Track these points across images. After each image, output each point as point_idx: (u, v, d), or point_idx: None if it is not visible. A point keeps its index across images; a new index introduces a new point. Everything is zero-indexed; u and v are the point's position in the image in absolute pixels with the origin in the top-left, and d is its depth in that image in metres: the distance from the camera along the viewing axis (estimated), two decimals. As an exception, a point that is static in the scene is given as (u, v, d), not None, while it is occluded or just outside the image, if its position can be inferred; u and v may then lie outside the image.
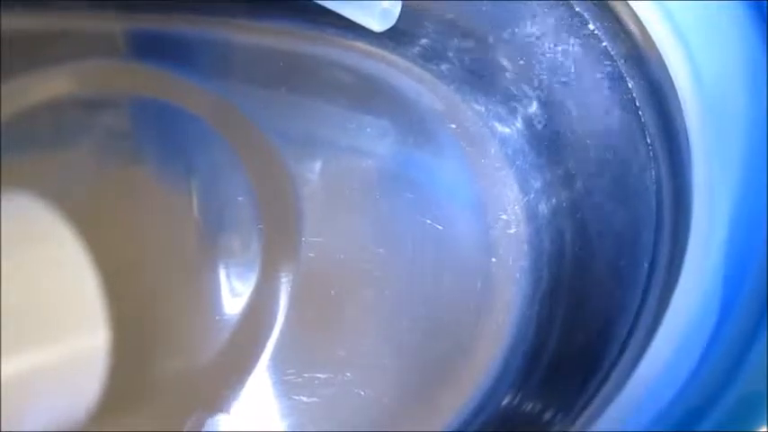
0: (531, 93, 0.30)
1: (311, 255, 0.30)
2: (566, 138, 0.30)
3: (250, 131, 0.31)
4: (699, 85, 0.24)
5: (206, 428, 0.27)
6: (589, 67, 0.28)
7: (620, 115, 0.27)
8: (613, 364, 0.24)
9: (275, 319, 0.29)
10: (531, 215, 0.31)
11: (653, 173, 0.26)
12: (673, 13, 0.25)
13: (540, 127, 0.31)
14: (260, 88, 0.32)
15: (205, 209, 0.30)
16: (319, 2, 0.27)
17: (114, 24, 0.31)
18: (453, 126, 0.32)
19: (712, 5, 0.24)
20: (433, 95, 0.32)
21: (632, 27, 0.26)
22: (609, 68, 0.27)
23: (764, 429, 0.20)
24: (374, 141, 0.32)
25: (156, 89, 0.31)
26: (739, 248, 0.23)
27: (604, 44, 0.27)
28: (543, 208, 0.31)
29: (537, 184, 0.31)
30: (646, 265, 0.25)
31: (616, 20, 0.26)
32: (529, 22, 0.29)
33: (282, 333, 0.29)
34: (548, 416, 0.27)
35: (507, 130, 0.32)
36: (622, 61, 0.27)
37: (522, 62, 0.30)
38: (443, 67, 0.32)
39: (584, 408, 0.23)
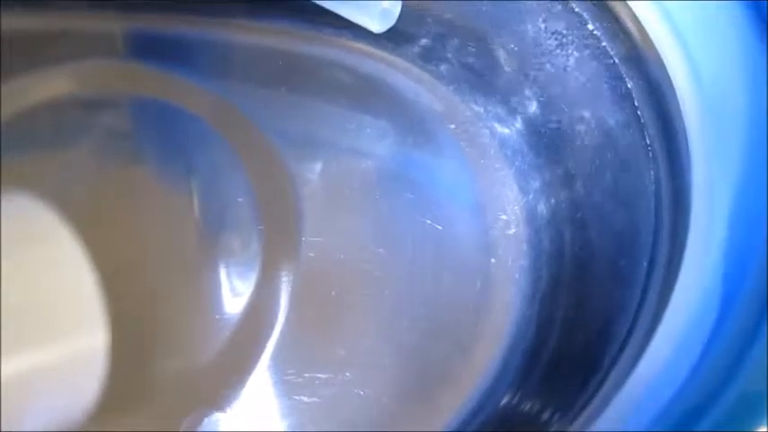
0: (530, 93, 0.30)
1: (311, 254, 0.30)
2: (565, 138, 0.30)
3: (250, 131, 0.31)
4: (698, 85, 0.24)
5: (206, 428, 0.27)
6: (588, 67, 0.28)
7: (620, 115, 0.27)
8: (613, 364, 0.24)
9: (275, 318, 0.29)
10: (531, 215, 0.31)
11: (652, 173, 0.26)
12: (672, 14, 0.25)
13: (539, 127, 0.31)
14: (260, 88, 0.32)
15: (205, 209, 0.30)
16: (319, 2, 0.27)
17: (114, 24, 0.31)
18: (453, 126, 0.32)
19: (711, 5, 0.24)
20: (432, 96, 0.32)
21: (631, 27, 0.26)
22: (608, 69, 0.27)
23: (764, 429, 0.20)
24: (374, 141, 0.32)
25: (156, 89, 0.31)
26: (739, 248, 0.23)
27: (603, 44, 0.27)
28: (542, 208, 0.31)
29: (536, 185, 0.31)
30: (645, 264, 0.25)
31: (615, 20, 0.26)
32: (528, 23, 0.29)
33: (283, 333, 0.29)
34: (547, 415, 0.27)
35: (506, 130, 0.32)
36: (621, 61, 0.27)
37: (521, 62, 0.30)
38: (443, 67, 0.32)
39: (583, 407, 0.23)
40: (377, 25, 0.27)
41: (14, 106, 0.29)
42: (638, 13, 0.25)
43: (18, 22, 0.30)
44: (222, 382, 0.28)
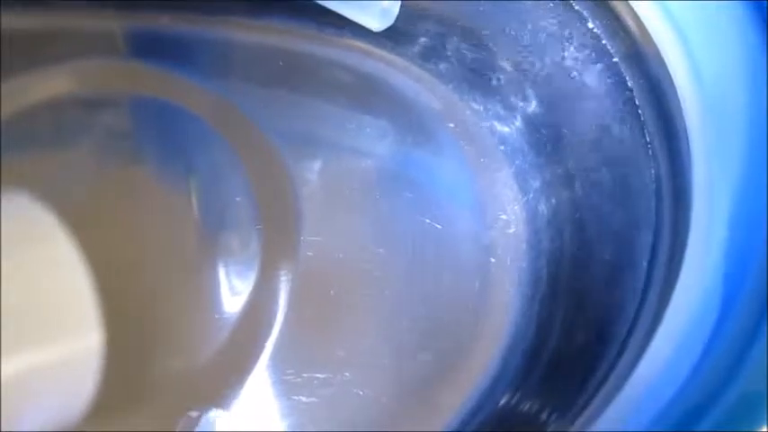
0: (529, 92, 0.30)
1: (310, 254, 0.30)
2: (565, 137, 0.30)
3: (250, 131, 0.31)
4: (698, 84, 0.24)
5: (205, 428, 0.27)
6: (588, 65, 0.28)
7: (620, 114, 0.27)
8: (613, 364, 0.24)
9: (274, 318, 0.29)
10: (531, 215, 0.31)
11: (652, 171, 0.26)
12: (672, 12, 0.25)
13: (539, 126, 0.31)
14: (260, 88, 0.32)
15: (205, 209, 0.30)
16: (319, 1, 0.27)
17: (114, 23, 0.31)
18: (452, 125, 0.32)
19: (712, 4, 0.24)
20: (431, 95, 0.32)
21: (632, 25, 0.26)
22: (608, 67, 0.27)
23: (765, 429, 0.20)
24: (373, 141, 0.32)
25: (156, 88, 0.31)
26: (739, 247, 0.23)
27: (604, 42, 0.27)
28: (542, 207, 0.31)
29: (536, 184, 0.31)
30: (645, 264, 0.25)
31: (615, 18, 0.26)
32: (528, 21, 0.29)
33: (282, 333, 0.29)
34: (546, 415, 0.26)
35: (506, 129, 0.32)
36: (622, 60, 0.27)
37: (520, 61, 0.30)
38: (442, 66, 0.32)
39: (583, 407, 0.23)
40: (376, 24, 0.27)
41: (14, 105, 0.29)
42: (638, 12, 0.25)
43: (18, 21, 0.30)
44: (221, 381, 0.28)
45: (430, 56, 0.32)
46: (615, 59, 0.27)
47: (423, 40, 0.31)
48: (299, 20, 0.32)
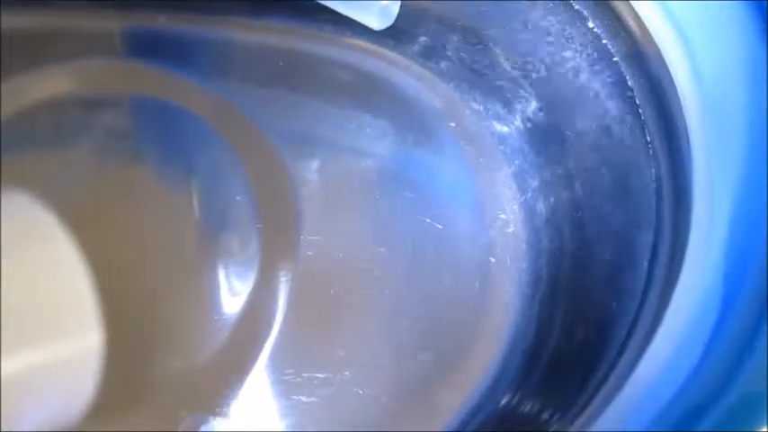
0: (529, 91, 0.30)
1: (310, 254, 0.30)
2: (565, 136, 0.30)
3: (250, 131, 0.31)
4: (699, 84, 0.24)
5: (204, 428, 0.27)
6: (589, 65, 0.28)
7: (620, 114, 0.27)
8: (613, 364, 0.24)
9: (274, 318, 0.29)
10: (530, 214, 0.31)
11: (653, 171, 0.26)
12: (673, 11, 0.25)
13: (539, 126, 0.31)
14: (260, 87, 0.32)
15: (205, 209, 0.30)
16: (319, 0, 0.27)
17: (114, 23, 0.31)
18: (453, 124, 0.32)
19: (713, 4, 0.24)
20: (432, 93, 0.32)
21: (632, 25, 0.26)
22: (609, 67, 0.27)
23: (765, 429, 0.20)
24: (373, 140, 0.32)
25: (156, 88, 0.31)
26: (740, 246, 0.23)
27: (604, 42, 0.27)
28: (542, 207, 0.31)
29: (535, 183, 0.31)
30: (645, 263, 0.25)
31: (616, 18, 0.26)
32: (528, 21, 0.29)
33: (281, 332, 0.29)
34: (547, 415, 0.26)
35: (506, 128, 0.31)
36: (622, 59, 0.27)
37: (520, 60, 0.30)
38: (443, 65, 0.32)
39: (583, 407, 0.23)
40: (376, 23, 0.27)
41: (14, 105, 0.29)
42: (639, 11, 0.25)
43: (18, 20, 0.30)
44: (221, 381, 0.28)
45: (431, 54, 0.32)
46: (615, 59, 0.27)
47: (423, 38, 0.31)
48: (299, 19, 0.32)
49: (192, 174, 0.30)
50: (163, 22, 0.31)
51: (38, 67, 0.30)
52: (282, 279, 0.29)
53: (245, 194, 0.30)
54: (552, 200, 0.30)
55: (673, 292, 0.23)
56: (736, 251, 0.23)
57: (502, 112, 0.31)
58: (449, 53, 0.31)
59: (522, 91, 0.30)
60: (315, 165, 0.31)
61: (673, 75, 0.24)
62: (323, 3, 0.27)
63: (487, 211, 0.31)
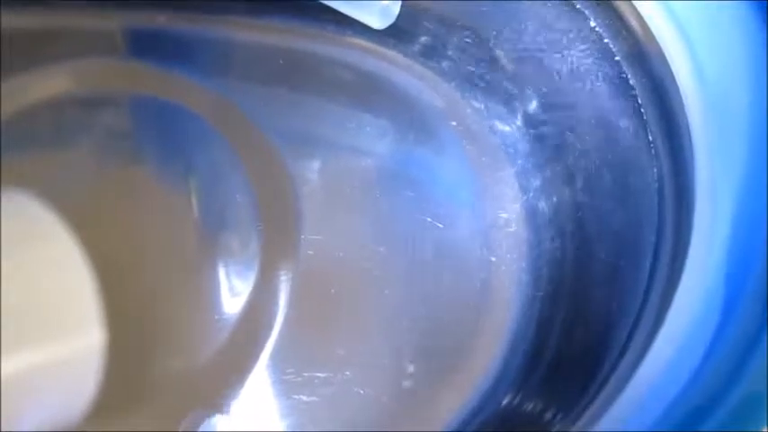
0: (531, 91, 0.30)
1: (310, 253, 0.30)
2: (566, 136, 0.30)
3: (250, 130, 0.31)
4: (701, 83, 0.24)
5: (205, 428, 0.27)
6: (590, 64, 0.28)
7: (622, 113, 0.27)
8: (615, 364, 0.24)
9: (274, 318, 0.29)
10: (531, 214, 0.31)
11: (655, 171, 0.26)
12: (675, 11, 0.24)
13: (540, 125, 0.31)
14: (260, 86, 0.32)
15: (205, 208, 0.30)
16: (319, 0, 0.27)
17: (114, 22, 0.31)
18: (454, 124, 0.32)
19: (714, 3, 0.24)
20: (433, 93, 0.32)
21: (634, 24, 0.26)
22: (610, 66, 0.27)
23: (765, 429, 0.20)
24: (374, 139, 0.32)
25: (156, 88, 0.31)
26: (742, 246, 0.23)
27: (606, 41, 0.27)
28: (543, 207, 0.31)
29: (537, 183, 0.31)
30: (647, 263, 0.25)
31: (618, 17, 0.26)
32: (529, 20, 0.29)
33: (282, 332, 0.29)
34: (548, 416, 0.26)
35: (507, 128, 0.31)
36: (624, 59, 0.27)
37: (522, 60, 0.30)
38: (444, 64, 0.32)
39: (585, 408, 0.23)
40: (377, 22, 0.27)
41: (14, 105, 0.29)
42: (641, 11, 0.25)
43: (17, 20, 0.30)
44: (221, 381, 0.28)
45: (432, 54, 0.32)
46: (617, 58, 0.27)
47: (424, 38, 0.31)
48: (299, 18, 0.32)
49: (191, 173, 0.30)
50: (163, 22, 0.31)
51: (38, 66, 0.30)
52: (283, 279, 0.29)
53: (245, 194, 0.30)
54: (554, 199, 0.30)
55: (675, 292, 0.23)
56: (739, 251, 0.23)
57: (503, 111, 0.31)
58: (450, 52, 0.31)
59: (523, 90, 0.30)
60: (315, 164, 0.31)
61: (675, 74, 0.24)
62: (324, 2, 0.27)
63: (489, 210, 0.31)
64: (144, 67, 0.31)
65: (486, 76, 0.31)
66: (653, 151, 0.26)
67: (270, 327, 0.29)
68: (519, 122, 0.31)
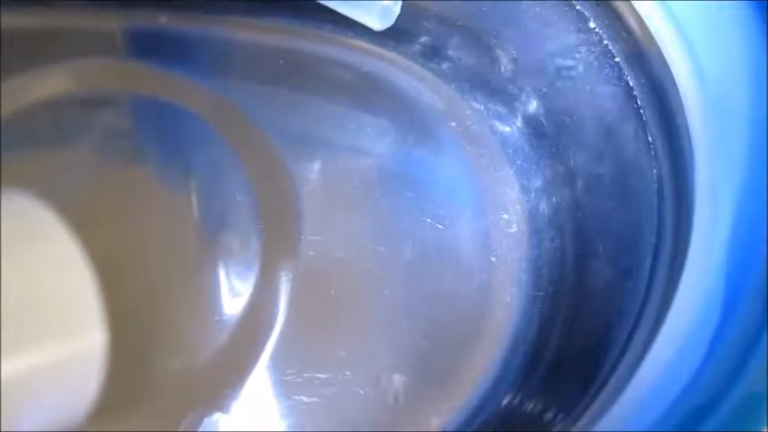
0: (531, 91, 0.30)
1: (311, 253, 0.30)
2: (566, 137, 0.30)
3: (250, 130, 0.31)
4: (701, 84, 0.24)
5: (205, 428, 0.27)
6: (590, 65, 0.28)
7: (622, 114, 0.27)
8: (615, 364, 0.24)
9: (275, 318, 0.29)
10: (532, 214, 0.31)
11: (654, 171, 0.26)
12: (675, 12, 0.25)
13: (540, 126, 0.31)
14: (260, 86, 0.32)
15: (205, 208, 0.30)
16: (319, 0, 0.27)
17: (113, 22, 0.31)
18: (454, 125, 0.32)
19: (714, 4, 0.24)
20: (433, 94, 0.32)
21: (634, 25, 0.26)
22: (610, 67, 0.27)
23: (765, 429, 0.20)
24: (374, 140, 0.32)
25: (156, 88, 0.31)
26: (742, 247, 0.23)
27: (605, 42, 0.27)
28: (544, 207, 0.31)
29: (537, 183, 0.31)
30: (647, 264, 0.25)
31: (617, 18, 0.26)
32: (529, 21, 0.29)
33: (282, 332, 0.29)
34: (548, 416, 0.26)
35: (507, 128, 0.31)
36: (624, 60, 0.27)
37: (522, 61, 0.30)
38: (444, 65, 0.32)
39: (585, 408, 0.23)
40: (377, 23, 0.27)
41: (14, 105, 0.29)
42: (640, 12, 0.25)
43: (17, 20, 0.30)
44: (222, 382, 0.28)
45: (432, 55, 0.32)
46: (617, 59, 0.27)
47: (424, 39, 0.31)
48: (299, 19, 0.32)
49: (191, 173, 0.30)
50: (163, 22, 0.31)
51: (38, 66, 0.30)
52: (283, 279, 0.29)
53: (245, 194, 0.30)
54: (554, 200, 0.30)
55: (675, 292, 0.23)
56: (739, 251, 0.23)
57: (503, 112, 0.31)
58: (450, 53, 0.31)
59: (523, 91, 0.30)
60: (315, 164, 0.31)
61: (674, 75, 0.24)
62: (324, 3, 0.27)
63: (489, 211, 0.31)
64: (144, 67, 0.31)
65: (485, 77, 0.31)
66: (653, 152, 0.26)
67: (270, 327, 0.29)
68: (519, 123, 0.31)
